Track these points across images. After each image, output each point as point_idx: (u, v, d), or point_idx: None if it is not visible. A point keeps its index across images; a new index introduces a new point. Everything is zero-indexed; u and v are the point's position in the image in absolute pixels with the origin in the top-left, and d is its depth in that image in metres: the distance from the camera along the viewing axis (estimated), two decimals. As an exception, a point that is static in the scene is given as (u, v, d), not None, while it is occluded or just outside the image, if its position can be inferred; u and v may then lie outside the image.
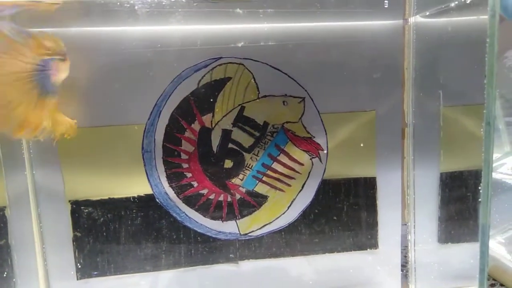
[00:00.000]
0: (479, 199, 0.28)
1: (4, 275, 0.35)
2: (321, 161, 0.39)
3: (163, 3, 0.33)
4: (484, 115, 0.27)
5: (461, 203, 0.39)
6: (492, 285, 0.42)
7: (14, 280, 0.36)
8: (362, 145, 0.39)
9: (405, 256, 0.42)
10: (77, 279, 0.37)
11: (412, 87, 0.38)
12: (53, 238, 0.37)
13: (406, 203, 0.41)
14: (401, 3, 0.37)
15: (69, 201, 0.37)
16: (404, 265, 0.42)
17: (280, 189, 0.39)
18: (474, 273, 0.41)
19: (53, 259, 0.37)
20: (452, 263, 0.41)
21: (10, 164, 0.34)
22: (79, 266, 0.37)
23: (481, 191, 0.28)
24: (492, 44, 0.26)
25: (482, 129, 0.27)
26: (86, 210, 0.37)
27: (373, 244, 0.41)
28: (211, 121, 0.37)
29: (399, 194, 0.40)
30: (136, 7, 0.33)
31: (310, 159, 0.39)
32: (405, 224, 0.41)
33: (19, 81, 0.31)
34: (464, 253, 0.41)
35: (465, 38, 0.31)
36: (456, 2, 0.30)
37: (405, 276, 0.42)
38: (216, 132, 0.38)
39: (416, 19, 0.37)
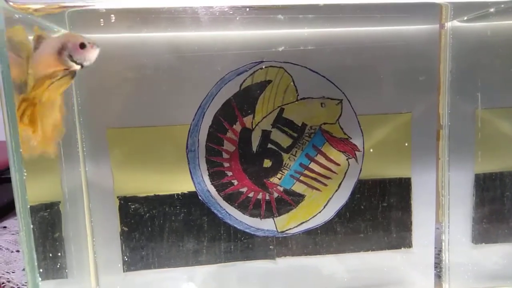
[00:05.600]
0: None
1: (58, 266, 0.37)
2: (357, 162, 0.40)
3: (211, 12, 0.34)
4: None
5: (496, 204, 0.40)
6: (526, 286, 0.43)
7: (66, 270, 0.38)
8: (397, 146, 0.40)
9: (439, 256, 0.42)
10: (124, 271, 0.39)
11: (448, 90, 0.39)
12: (102, 232, 0.39)
13: (441, 203, 0.41)
14: (437, 9, 0.38)
15: (118, 197, 0.39)
16: (438, 265, 0.43)
17: (316, 189, 0.41)
18: (508, 273, 0.41)
19: (102, 251, 0.39)
20: (486, 263, 0.41)
21: (67, 161, 0.37)
22: (126, 259, 0.39)
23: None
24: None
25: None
26: (133, 206, 0.39)
27: (407, 244, 0.42)
28: (252, 122, 0.39)
29: (433, 194, 0.41)
30: (184, 15, 0.35)
31: (347, 159, 0.40)
32: (439, 224, 0.42)
33: None
34: (498, 254, 0.41)
35: (505, 41, 0.32)
36: (495, 8, 0.31)
37: (438, 275, 0.43)
38: (256, 133, 0.39)
39: (453, 24, 0.38)
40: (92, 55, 0.31)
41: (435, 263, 0.42)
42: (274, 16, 0.36)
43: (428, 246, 0.42)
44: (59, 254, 0.37)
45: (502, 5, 0.31)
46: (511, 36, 0.29)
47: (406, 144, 0.40)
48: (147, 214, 0.39)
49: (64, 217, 0.37)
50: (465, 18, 0.36)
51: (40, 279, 0.27)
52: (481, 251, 0.41)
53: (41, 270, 0.27)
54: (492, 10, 0.31)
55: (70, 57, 0.30)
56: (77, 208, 0.38)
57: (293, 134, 0.40)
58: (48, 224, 0.37)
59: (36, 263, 0.27)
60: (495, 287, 0.41)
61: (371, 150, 0.40)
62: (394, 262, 0.42)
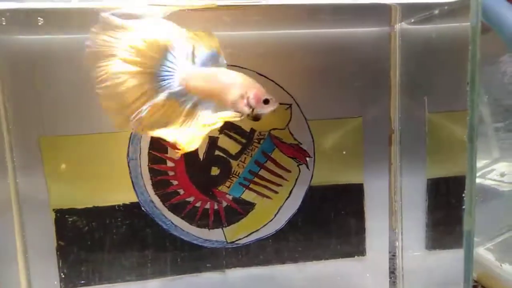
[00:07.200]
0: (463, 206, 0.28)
1: (-14, 286, 0.34)
2: (308, 168, 0.39)
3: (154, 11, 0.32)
4: (468, 121, 0.27)
5: (448, 209, 0.39)
6: (480, 291, 0.42)
7: (-4, 290, 0.35)
8: (349, 151, 0.39)
9: (393, 263, 0.42)
10: (61, 289, 0.37)
11: (398, 93, 0.38)
12: (37, 247, 0.36)
13: (394, 209, 0.41)
14: (387, 10, 0.37)
15: (54, 209, 0.36)
16: (392, 272, 0.42)
17: (267, 196, 0.39)
18: (461, 279, 0.41)
19: (36, 268, 0.36)
20: (439, 269, 0.41)
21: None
22: (63, 276, 0.37)
23: (465, 197, 0.28)
24: (474, 51, 0.26)
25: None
26: (71, 219, 0.36)
27: (361, 251, 0.41)
28: (198, 128, 0.37)
29: (386, 200, 0.40)
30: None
31: (297, 166, 0.39)
32: (393, 231, 0.41)
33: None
34: (451, 259, 0.40)
35: (449, 44, 0.31)
36: (439, 10, 0.31)
37: (393, 283, 0.42)
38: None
39: (401, 26, 0.37)
40: (269, 110, 0.30)
41: (389, 270, 0.41)
42: (220, 17, 0.35)
43: (382, 253, 0.41)
44: (-13, 272, 0.35)
45: (446, 7, 0.30)
46: (455, 39, 0.29)
47: (358, 149, 0.39)
48: (86, 227, 0.37)
49: (-8, 233, 0.35)
50: (412, 20, 0.35)
51: None
52: (434, 257, 0.40)
53: None
54: (436, 12, 0.31)
55: (250, 107, 0.29)
56: (7, 222, 0.35)
57: (242, 140, 0.38)
58: (-26, 241, 0.34)
59: None
60: (449, 293, 0.40)
61: (322, 156, 0.38)
62: (348, 270, 0.41)
